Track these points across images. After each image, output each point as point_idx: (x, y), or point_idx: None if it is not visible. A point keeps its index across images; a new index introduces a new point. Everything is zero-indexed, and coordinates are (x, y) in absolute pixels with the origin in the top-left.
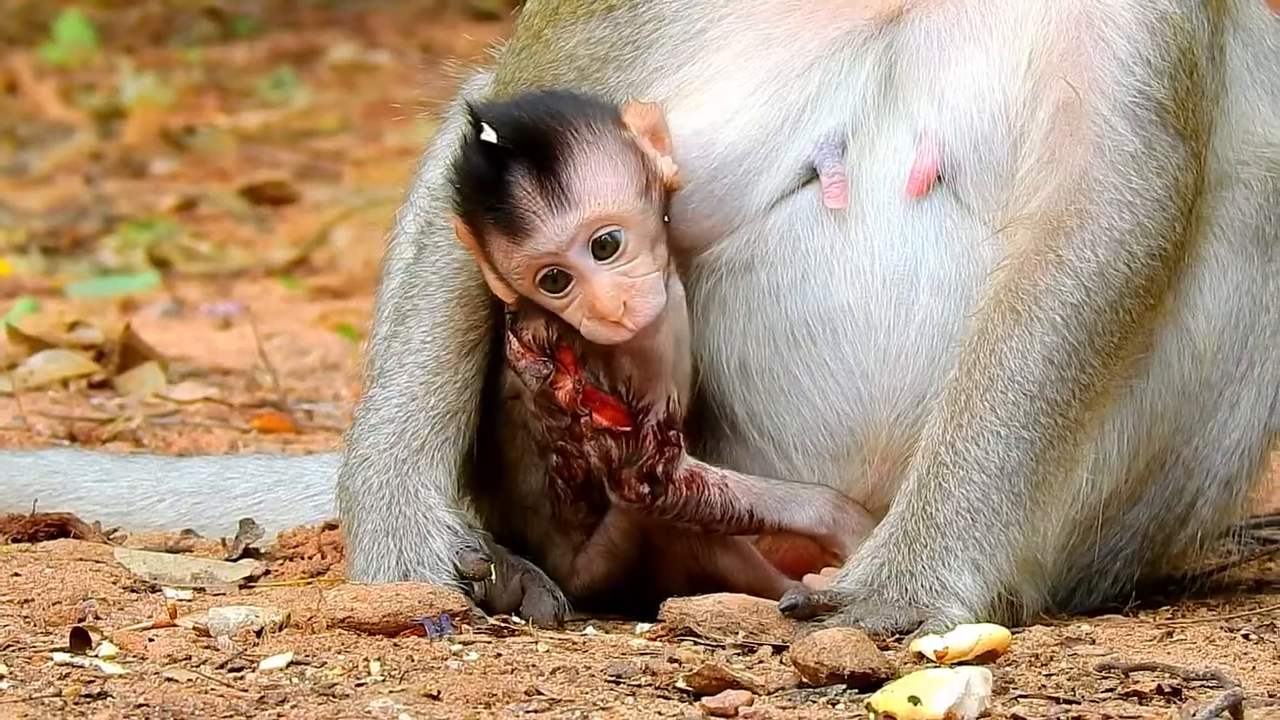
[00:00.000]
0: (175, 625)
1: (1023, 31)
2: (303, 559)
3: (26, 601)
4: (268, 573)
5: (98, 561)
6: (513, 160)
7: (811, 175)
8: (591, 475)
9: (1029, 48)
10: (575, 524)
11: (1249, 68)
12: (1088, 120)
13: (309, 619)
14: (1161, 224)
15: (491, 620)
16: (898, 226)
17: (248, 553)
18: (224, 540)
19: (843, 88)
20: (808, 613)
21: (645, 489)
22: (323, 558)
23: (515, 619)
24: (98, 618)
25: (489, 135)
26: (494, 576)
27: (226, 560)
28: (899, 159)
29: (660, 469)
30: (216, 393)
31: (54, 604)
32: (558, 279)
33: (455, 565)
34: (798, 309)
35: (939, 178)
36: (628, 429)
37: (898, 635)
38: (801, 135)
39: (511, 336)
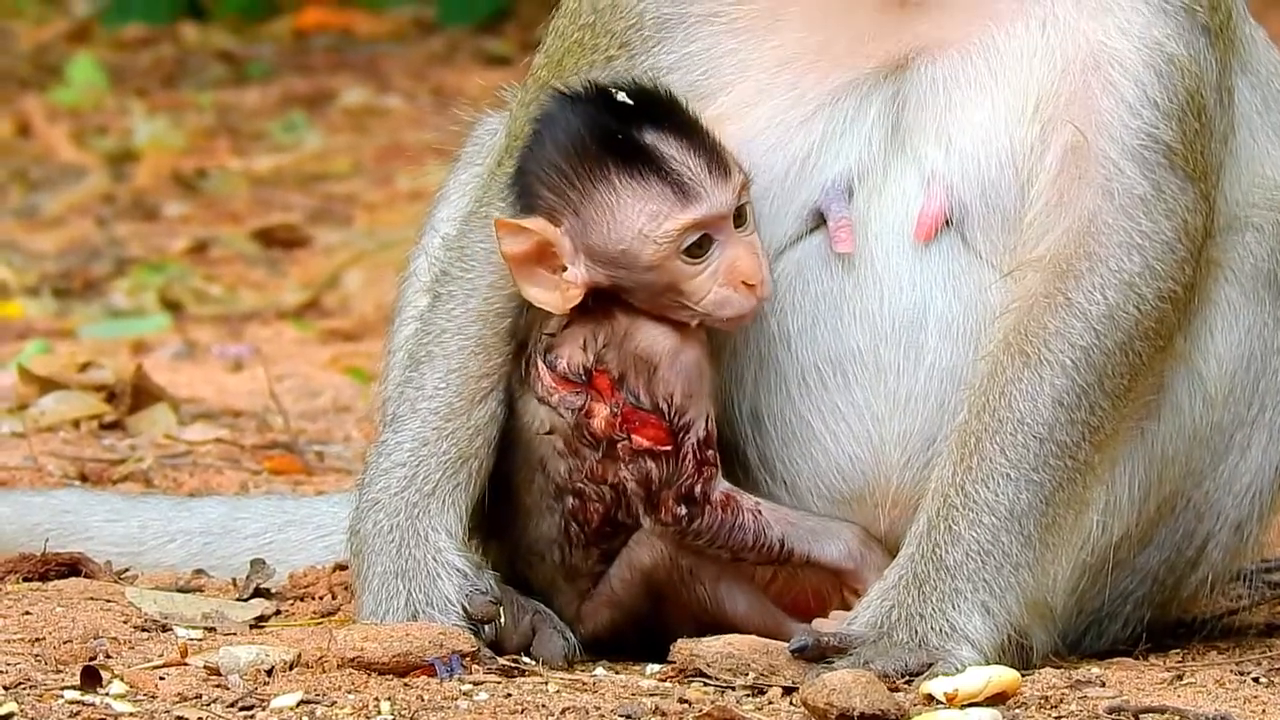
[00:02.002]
0: (186, 664)
1: (1028, 76)
2: (313, 599)
3: (37, 640)
4: (278, 612)
5: (108, 600)
6: (659, 125)
7: (819, 221)
8: (608, 518)
9: (1035, 92)
10: (584, 571)
11: (1258, 110)
12: (1096, 164)
13: (319, 658)
14: (1171, 266)
15: (501, 661)
16: (906, 271)
17: (258, 592)
18: (234, 580)
19: (848, 134)
20: (817, 654)
21: (682, 510)
22: (333, 598)
23: (525, 659)
24: (108, 656)
25: (624, 97)
26: (503, 618)
27: (237, 600)
28: (907, 203)
29: (699, 489)
30: (228, 434)
31: (65, 642)
32: (702, 244)
33: (464, 607)
34: (808, 354)
35: (947, 222)
36: (669, 448)
37: (908, 678)
38: (807, 181)
39: (543, 369)
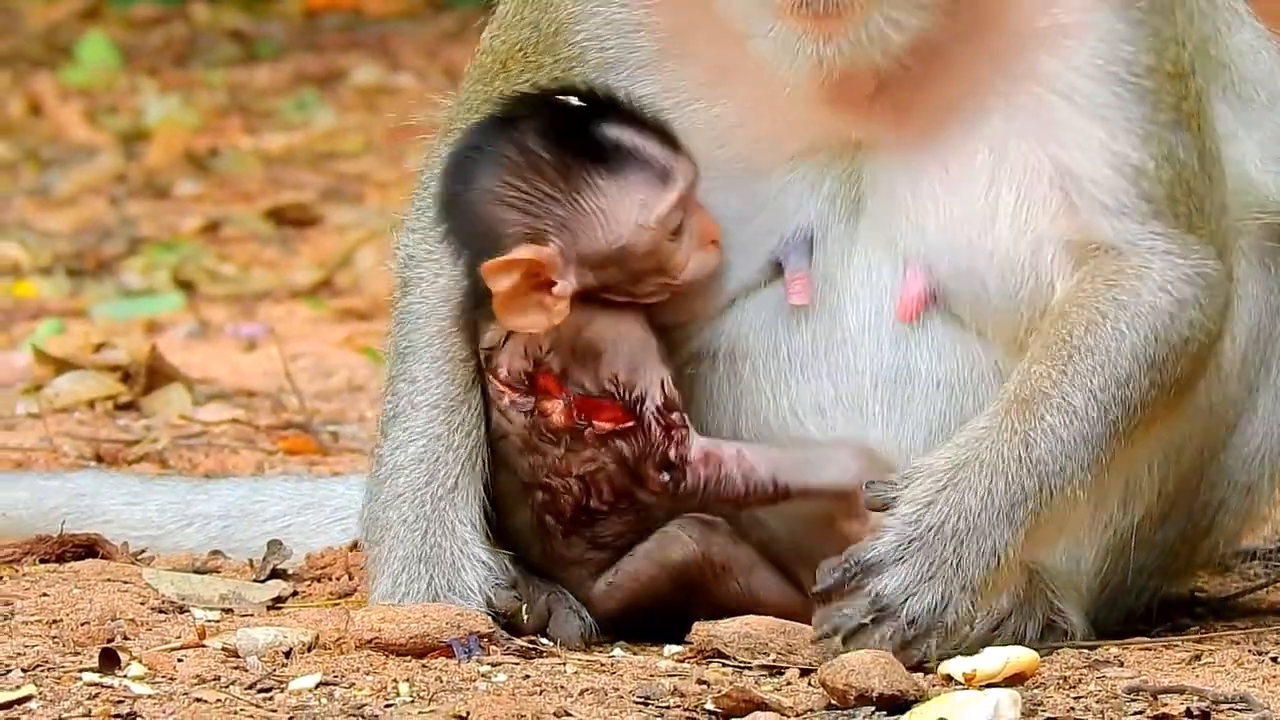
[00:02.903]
0: (204, 646)
1: (998, 185)
2: (330, 580)
3: (55, 622)
4: (295, 594)
5: (126, 582)
6: (612, 119)
7: (779, 272)
8: (580, 507)
9: (1011, 200)
10: (574, 558)
11: (1244, 124)
12: (1089, 249)
13: (337, 640)
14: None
15: (519, 642)
16: (888, 341)
17: (275, 574)
18: (251, 561)
19: (807, 196)
20: (843, 584)
21: (665, 477)
22: (350, 579)
23: (543, 640)
24: (126, 638)
25: (573, 100)
26: (524, 610)
27: (254, 581)
28: (882, 276)
29: (673, 452)
30: (242, 414)
31: (82, 624)
32: (679, 219)
33: (488, 599)
34: (786, 400)
35: (932, 299)
36: (630, 424)
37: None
38: (765, 231)
39: (490, 379)
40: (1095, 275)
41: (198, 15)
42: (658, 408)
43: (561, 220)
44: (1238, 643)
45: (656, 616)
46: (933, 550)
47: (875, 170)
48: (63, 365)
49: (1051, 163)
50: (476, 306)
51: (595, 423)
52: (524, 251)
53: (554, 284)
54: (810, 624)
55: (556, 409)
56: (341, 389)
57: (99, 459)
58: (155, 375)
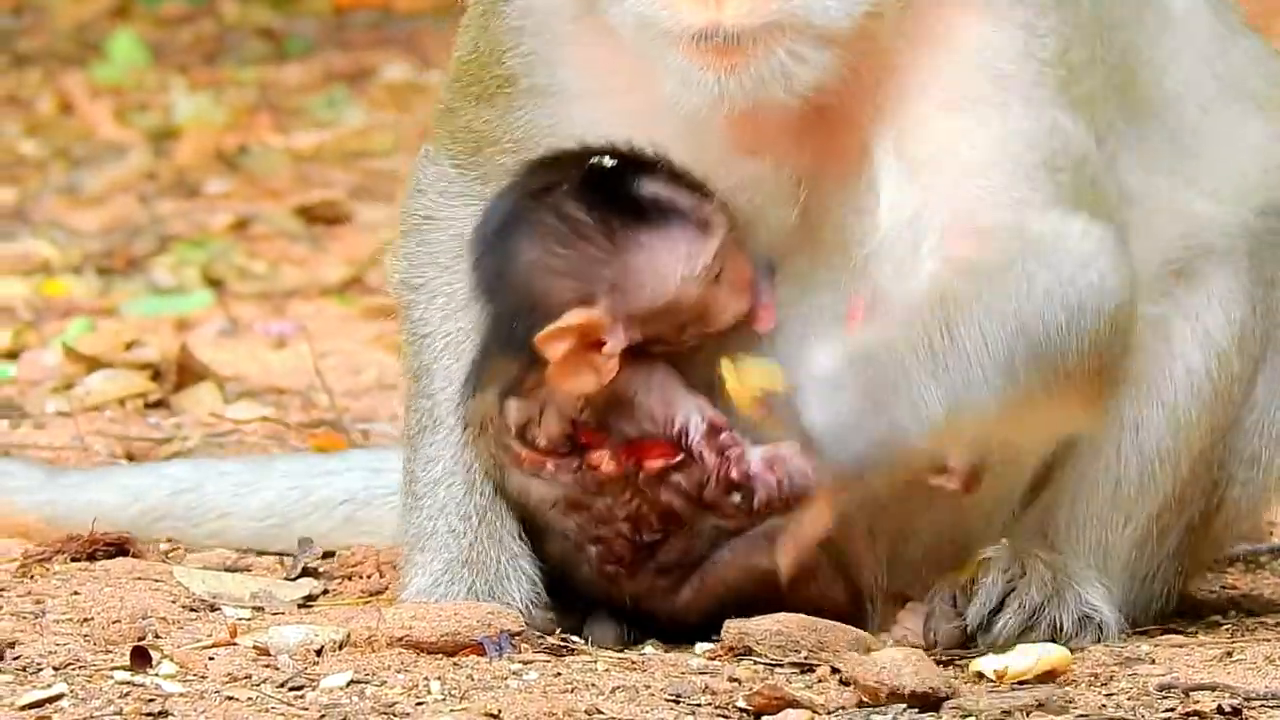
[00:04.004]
0: (235, 644)
1: (902, 188)
2: (361, 578)
3: (86, 620)
4: (326, 592)
5: (157, 580)
6: (643, 174)
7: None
8: (636, 546)
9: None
10: (646, 587)
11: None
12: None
13: (368, 638)
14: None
15: (550, 640)
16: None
17: (306, 572)
18: (282, 559)
19: (760, 227)
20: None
21: (737, 498)
22: (380, 576)
23: (574, 638)
24: (158, 636)
25: (605, 160)
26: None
27: (285, 579)
28: (835, 296)
29: (734, 472)
30: (273, 412)
31: (114, 622)
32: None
33: (528, 611)
34: None
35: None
36: (680, 457)
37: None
38: None
39: (523, 451)
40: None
41: (227, 13)
42: (703, 435)
43: (610, 281)
44: (1269, 639)
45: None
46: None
47: (811, 201)
48: (93, 363)
49: (956, 165)
50: (518, 383)
51: (645, 463)
52: (576, 317)
53: (604, 343)
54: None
55: (604, 458)
56: (371, 386)
57: (130, 457)
58: (185, 373)
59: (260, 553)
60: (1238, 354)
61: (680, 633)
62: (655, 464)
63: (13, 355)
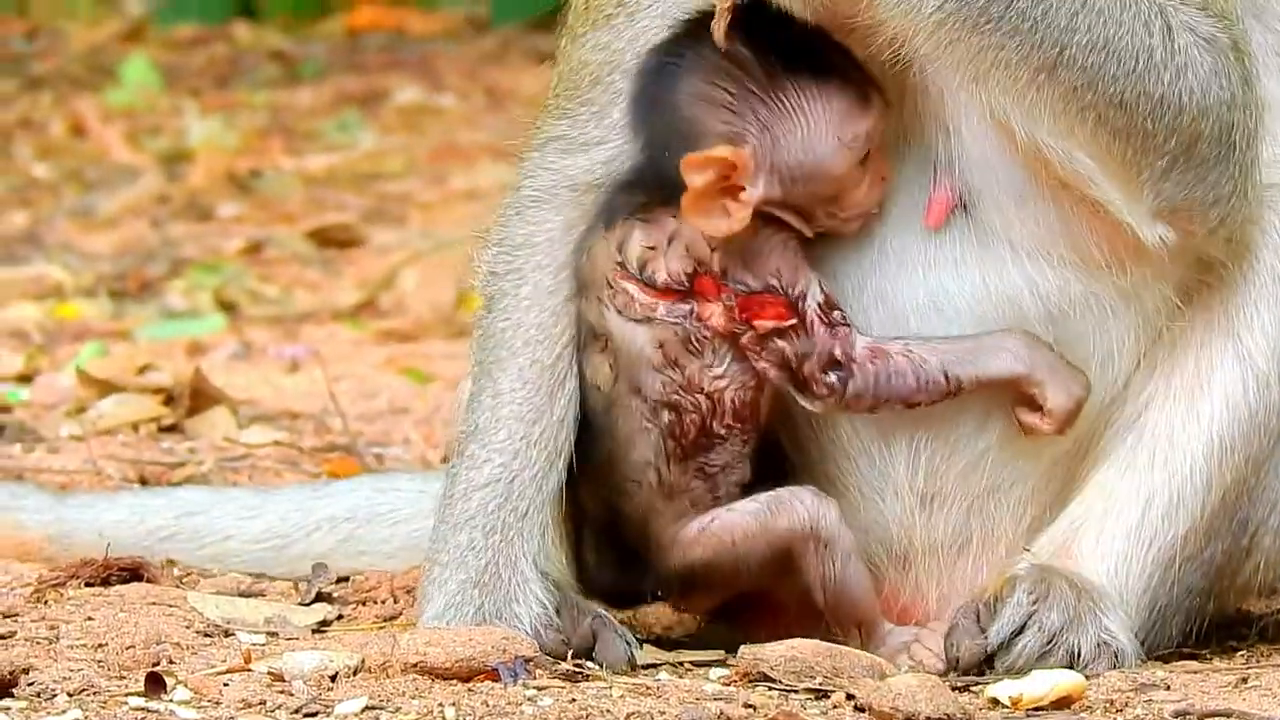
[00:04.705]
0: (249, 669)
1: None
2: (375, 603)
3: (100, 646)
4: (340, 617)
5: (170, 605)
6: (818, 37)
7: None
8: (703, 429)
9: None
10: (681, 488)
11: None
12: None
13: (383, 664)
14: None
15: (564, 665)
16: (919, 255)
17: (320, 597)
18: (296, 584)
19: None
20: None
21: (833, 378)
22: (395, 602)
23: (588, 664)
24: (172, 662)
25: (770, 13)
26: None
27: (299, 604)
28: (917, 188)
29: (838, 350)
30: (286, 436)
31: (128, 648)
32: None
33: (537, 634)
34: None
35: (957, 205)
36: (793, 321)
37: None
38: None
39: (637, 289)
40: None
41: (240, 36)
42: (819, 305)
43: (763, 122)
44: None
45: (726, 597)
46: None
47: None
48: (106, 387)
49: None
50: (630, 212)
51: (756, 322)
52: (724, 150)
53: (742, 189)
54: (871, 634)
55: (716, 312)
56: (384, 411)
57: (143, 481)
58: (199, 397)
59: (273, 578)
60: (1278, 382)
61: (670, 639)
62: (767, 323)
63: (26, 379)
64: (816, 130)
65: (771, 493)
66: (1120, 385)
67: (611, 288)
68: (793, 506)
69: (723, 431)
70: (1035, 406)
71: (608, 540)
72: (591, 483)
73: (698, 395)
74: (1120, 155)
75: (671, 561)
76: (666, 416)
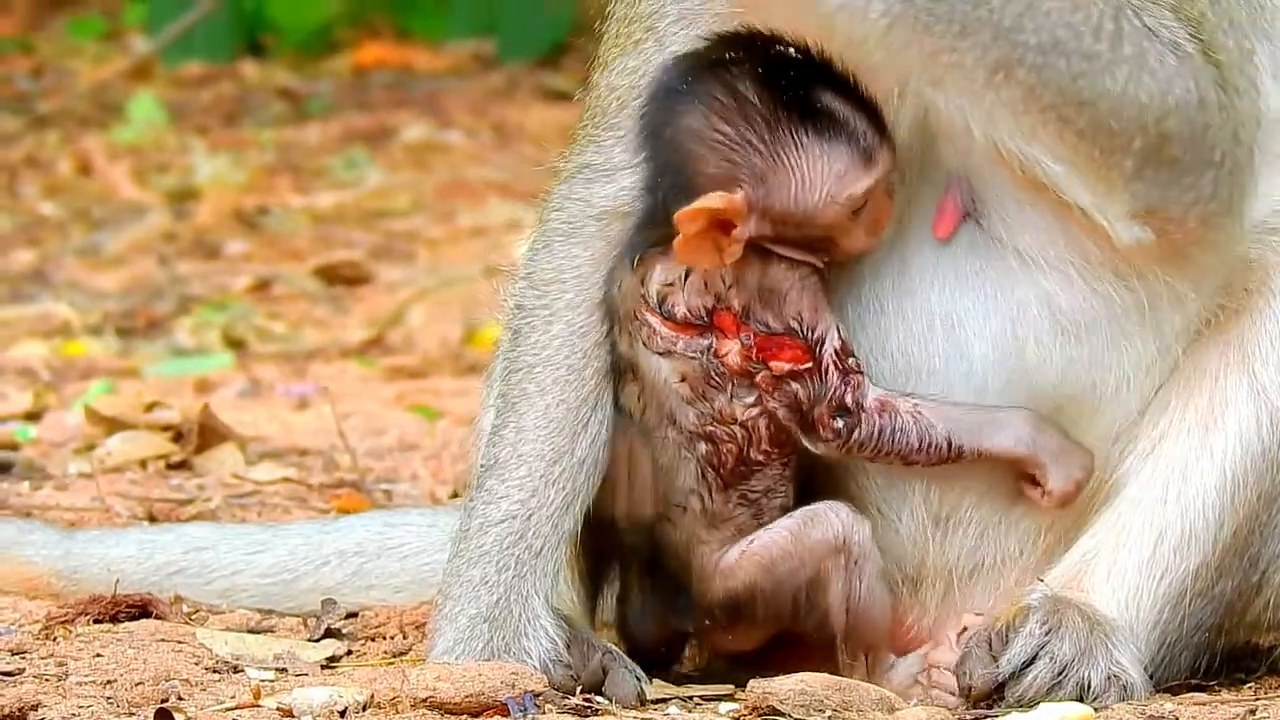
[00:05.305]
0: (259, 706)
1: None
2: (384, 639)
3: (109, 682)
4: (350, 653)
5: (179, 642)
6: (828, 83)
7: None
8: (741, 458)
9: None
10: (725, 516)
11: None
12: None
13: (392, 699)
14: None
15: (574, 700)
16: (931, 266)
17: (329, 633)
18: (305, 620)
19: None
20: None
21: (840, 423)
22: (404, 638)
23: (598, 699)
24: (180, 698)
25: (791, 51)
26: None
27: (308, 640)
28: (928, 200)
29: (849, 398)
30: (295, 473)
31: (137, 684)
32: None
33: (547, 669)
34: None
35: (965, 215)
36: (809, 365)
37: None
38: None
39: (659, 322)
40: None
41: (247, 74)
42: (836, 350)
43: (759, 172)
44: None
45: (759, 631)
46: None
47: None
48: (114, 425)
49: None
50: (649, 245)
51: (772, 363)
52: (714, 200)
53: (734, 227)
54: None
55: (733, 350)
56: (393, 447)
57: (151, 519)
58: (207, 434)
59: (282, 613)
60: None
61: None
62: (784, 365)
63: (34, 416)
64: (810, 187)
65: (808, 506)
66: (1136, 412)
67: (637, 320)
68: (827, 518)
69: (760, 458)
70: (1036, 484)
71: (649, 576)
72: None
73: (732, 426)
74: (1088, 155)
75: (715, 590)
76: (703, 447)
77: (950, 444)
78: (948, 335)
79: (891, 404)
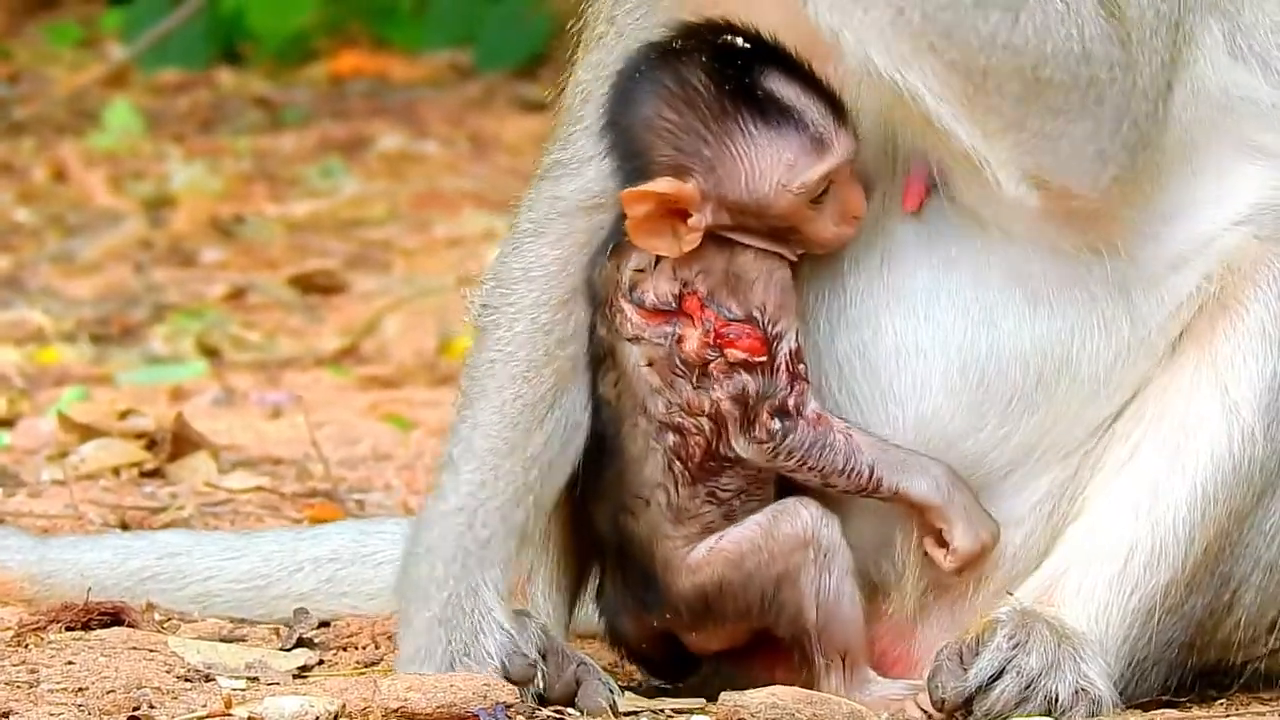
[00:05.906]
0: (230, 714)
1: None
2: (356, 649)
3: (81, 690)
4: (321, 662)
5: (151, 650)
6: (780, 71)
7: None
8: (709, 451)
9: None
10: (692, 512)
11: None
12: None
13: (363, 709)
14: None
15: (546, 711)
16: (906, 240)
17: (301, 642)
18: (277, 629)
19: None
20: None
21: (777, 425)
22: (376, 648)
23: (570, 710)
24: (152, 706)
25: (739, 41)
26: (544, 675)
27: (280, 649)
28: (895, 173)
29: (792, 402)
30: (268, 482)
31: (108, 693)
32: (825, 189)
33: (503, 665)
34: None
35: (932, 187)
36: (764, 359)
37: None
38: None
39: (630, 309)
40: None
41: (223, 82)
42: (791, 351)
43: (708, 161)
44: (1264, 713)
45: (729, 626)
46: None
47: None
48: (88, 432)
49: None
50: (622, 231)
51: (729, 350)
52: (662, 185)
53: (689, 215)
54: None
55: (694, 335)
56: (367, 456)
57: (124, 526)
58: (180, 442)
59: (255, 621)
60: (1264, 437)
61: (665, 664)
62: (738, 354)
63: (7, 423)
64: (760, 176)
65: (777, 502)
66: (1108, 420)
67: (613, 306)
68: (796, 512)
69: (731, 455)
70: (942, 542)
71: (619, 570)
72: (601, 501)
73: (700, 417)
74: (961, 91)
75: (682, 585)
76: (671, 438)
77: (871, 474)
78: (924, 309)
79: (827, 420)
